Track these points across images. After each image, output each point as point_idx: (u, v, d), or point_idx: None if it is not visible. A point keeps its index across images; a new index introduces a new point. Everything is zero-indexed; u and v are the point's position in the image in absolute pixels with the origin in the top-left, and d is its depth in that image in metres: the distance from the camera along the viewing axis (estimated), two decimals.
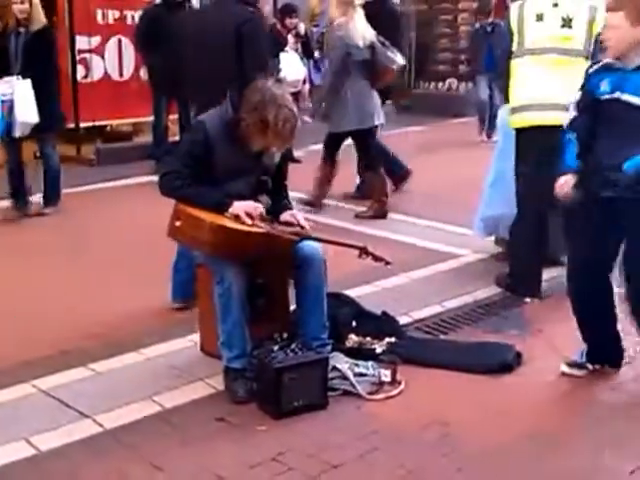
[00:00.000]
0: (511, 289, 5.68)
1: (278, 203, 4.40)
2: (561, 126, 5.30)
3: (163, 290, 5.42)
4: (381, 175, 7.78)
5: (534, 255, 5.69)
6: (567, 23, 5.40)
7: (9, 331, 4.85)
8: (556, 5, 5.44)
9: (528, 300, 5.52)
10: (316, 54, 12.31)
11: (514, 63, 5.55)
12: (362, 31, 7.34)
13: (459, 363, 4.46)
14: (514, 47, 5.53)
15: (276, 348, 4.09)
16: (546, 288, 5.71)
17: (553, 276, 5.86)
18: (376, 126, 7.57)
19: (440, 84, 15.81)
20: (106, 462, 3.50)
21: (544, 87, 5.39)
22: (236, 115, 4.08)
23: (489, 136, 11.57)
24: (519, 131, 5.57)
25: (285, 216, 4.30)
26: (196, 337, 4.61)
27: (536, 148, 5.47)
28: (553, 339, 4.86)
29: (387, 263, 4.59)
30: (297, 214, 4.35)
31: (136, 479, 3.38)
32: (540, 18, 5.43)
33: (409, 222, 7.50)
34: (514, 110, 5.56)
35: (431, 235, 7.02)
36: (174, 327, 4.83)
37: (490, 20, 12.29)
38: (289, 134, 4.05)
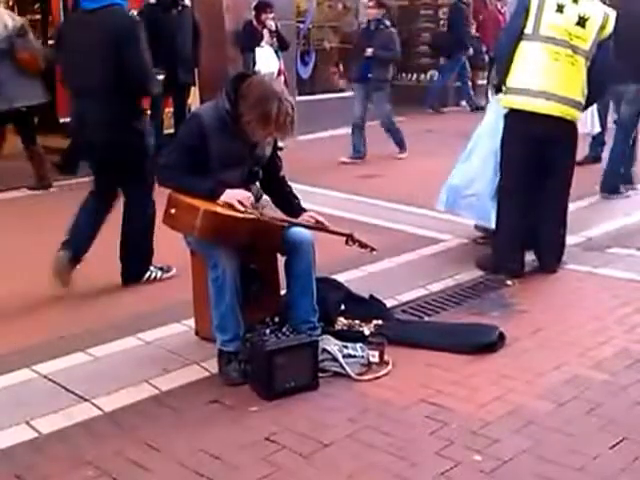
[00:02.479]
0: (493, 270, 5.79)
1: (284, 198, 4.55)
2: (556, 117, 5.46)
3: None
4: (39, 151, 8.63)
5: (517, 235, 5.80)
6: (582, 22, 5.49)
7: (7, 317, 4.94)
8: (575, 1, 5.52)
9: (510, 282, 5.63)
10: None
11: (523, 45, 5.60)
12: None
13: (444, 343, 4.54)
14: (527, 30, 5.57)
15: (268, 332, 4.18)
16: (527, 270, 5.85)
17: (534, 258, 5.99)
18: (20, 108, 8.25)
19: (422, 76, 15.93)
20: (105, 444, 3.56)
21: (550, 77, 5.50)
22: (233, 109, 4.16)
23: (402, 147, 10.52)
24: (514, 112, 5.66)
25: (304, 217, 4.45)
26: (191, 322, 4.70)
27: (527, 133, 5.60)
28: (535, 320, 4.97)
29: (372, 250, 4.70)
30: (315, 215, 4.49)
31: (134, 460, 3.44)
32: (560, 9, 5.50)
33: (394, 208, 7.61)
34: (512, 91, 5.64)
35: (415, 221, 7.13)
36: (170, 312, 4.91)
37: (376, 16, 10.43)
38: (290, 127, 4.15)
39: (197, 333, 4.63)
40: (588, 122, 9.69)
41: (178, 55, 9.10)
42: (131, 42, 5.20)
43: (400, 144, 10.49)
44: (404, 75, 16.11)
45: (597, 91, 5.80)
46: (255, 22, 10.80)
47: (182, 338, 4.64)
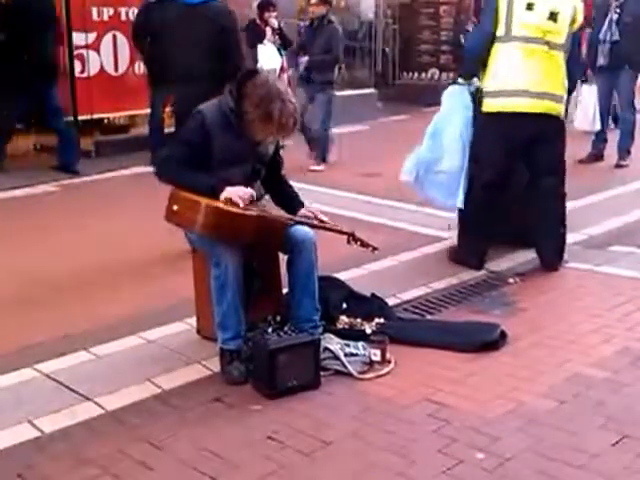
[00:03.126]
0: (458, 261, 5.90)
1: (286, 196, 4.55)
2: (541, 114, 5.49)
3: (161, 275, 5.57)
4: None
5: (479, 232, 5.86)
6: (553, 17, 5.52)
7: (10, 316, 4.93)
8: None
9: (512, 281, 5.65)
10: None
11: (497, 47, 5.62)
12: None
13: (446, 342, 4.55)
14: (500, 31, 5.60)
15: (270, 330, 4.20)
16: (529, 269, 5.88)
17: (536, 257, 6.01)
18: None
19: (423, 74, 15.94)
20: (108, 443, 3.57)
21: (529, 75, 5.52)
22: (237, 107, 4.17)
23: (323, 161, 9.83)
24: (496, 115, 5.65)
25: (303, 212, 4.46)
26: (193, 320, 4.70)
27: (509, 134, 5.61)
28: (537, 318, 4.99)
29: (374, 249, 4.69)
30: (314, 210, 4.52)
31: (137, 458, 3.44)
32: (530, 7, 5.53)
33: (395, 207, 7.63)
34: (493, 94, 5.65)
35: (416, 219, 7.14)
36: (172, 311, 4.91)
37: (320, 14, 9.78)
38: (291, 127, 4.16)
39: (199, 332, 4.64)
40: (590, 120, 9.71)
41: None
42: (234, 33, 6.05)
43: (322, 155, 9.84)
44: (405, 74, 16.13)
45: (568, 80, 5.80)
46: (258, 20, 10.88)
47: (184, 337, 4.64)
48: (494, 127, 5.67)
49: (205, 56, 5.81)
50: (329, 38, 9.73)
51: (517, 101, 5.55)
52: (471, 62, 5.90)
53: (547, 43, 5.53)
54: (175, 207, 4.16)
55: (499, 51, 5.62)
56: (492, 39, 5.64)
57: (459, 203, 5.87)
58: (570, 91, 8.73)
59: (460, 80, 6.01)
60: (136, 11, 9.63)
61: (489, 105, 5.68)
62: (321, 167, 9.73)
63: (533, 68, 5.54)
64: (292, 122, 4.14)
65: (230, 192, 4.11)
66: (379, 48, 16.06)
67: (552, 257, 5.92)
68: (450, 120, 5.92)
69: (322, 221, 4.45)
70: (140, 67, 10.16)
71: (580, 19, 5.69)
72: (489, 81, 5.67)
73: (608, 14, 9.43)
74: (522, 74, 5.54)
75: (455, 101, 5.94)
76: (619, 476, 3.31)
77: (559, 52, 5.58)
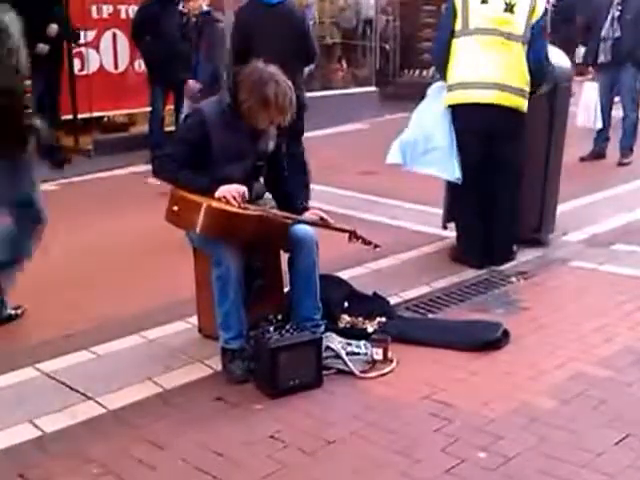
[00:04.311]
0: (461, 260, 5.90)
1: (288, 196, 4.51)
2: (499, 105, 5.50)
3: (163, 274, 5.55)
4: None
5: (477, 228, 5.88)
6: (509, 8, 5.56)
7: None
8: None
9: (514, 279, 5.63)
10: None
11: (456, 42, 5.68)
12: None
13: (448, 340, 4.54)
14: (457, 27, 5.66)
15: (271, 329, 4.18)
16: (531, 268, 5.86)
17: (538, 255, 6.03)
18: None
19: (424, 72, 15.92)
20: (109, 442, 3.56)
21: (485, 67, 5.55)
22: (234, 100, 4.16)
23: None
24: (456, 108, 5.69)
25: (306, 215, 4.44)
26: (194, 320, 4.70)
27: (472, 126, 5.64)
28: (539, 317, 4.98)
29: (376, 246, 4.68)
30: (318, 211, 4.50)
31: (138, 458, 3.44)
32: (485, 0, 5.58)
33: (397, 205, 7.61)
34: (453, 87, 5.69)
35: (418, 218, 7.13)
36: (173, 310, 4.91)
37: (201, 9, 8.77)
38: (289, 106, 4.16)
39: (200, 330, 4.63)
40: (592, 117, 9.69)
41: (178, 51, 9.10)
42: (308, 27, 7.30)
43: None
44: (406, 71, 16.11)
45: (538, 74, 5.70)
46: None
47: (186, 336, 4.64)
48: (458, 120, 5.71)
49: (287, 48, 6.48)
50: (216, 37, 8.67)
51: (474, 93, 5.57)
52: (438, 61, 5.97)
53: (504, 34, 5.55)
54: (175, 208, 4.15)
55: (457, 45, 5.68)
56: (452, 35, 5.69)
57: (456, 175, 5.81)
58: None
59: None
60: (135, 9, 9.65)
61: (450, 98, 5.72)
62: None
63: (490, 60, 5.56)
64: (289, 101, 4.15)
65: (223, 191, 4.10)
66: (379, 45, 16.03)
67: (501, 257, 5.92)
68: (430, 107, 5.93)
69: (323, 219, 4.44)
70: (140, 65, 10.17)
71: (540, 10, 5.66)
72: (450, 75, 5.72)
73: (610, 11, 9.42)
74: (479, 66, 5.57)
75: (436, 93, 5.95)
76: (622, 474, 3.31)
77: (518, 43, 5.57)
